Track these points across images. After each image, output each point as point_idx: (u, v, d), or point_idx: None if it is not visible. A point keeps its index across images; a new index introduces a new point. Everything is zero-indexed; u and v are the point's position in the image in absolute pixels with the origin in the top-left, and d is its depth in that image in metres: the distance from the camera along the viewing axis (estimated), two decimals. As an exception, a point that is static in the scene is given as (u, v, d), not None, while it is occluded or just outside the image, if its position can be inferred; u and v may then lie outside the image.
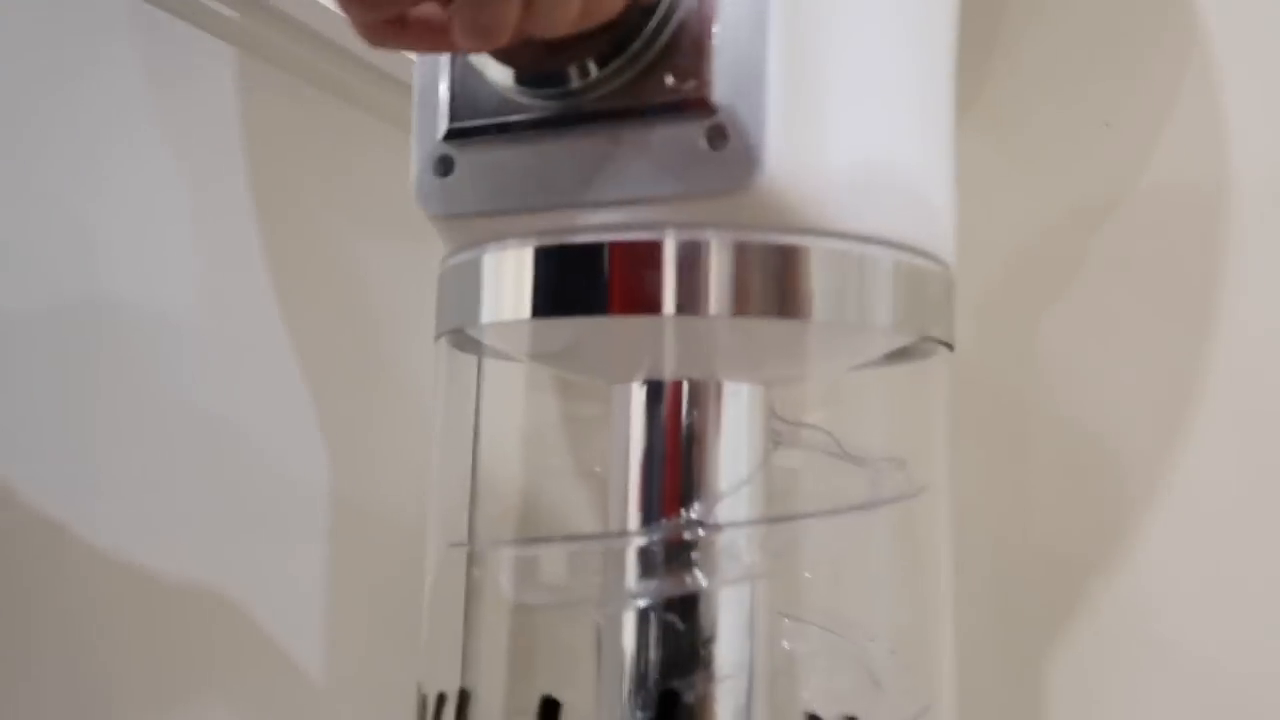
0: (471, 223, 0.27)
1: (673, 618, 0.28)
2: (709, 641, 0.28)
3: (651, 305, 0.25)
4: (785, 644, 0.31)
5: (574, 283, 0.26)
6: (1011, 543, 0.39)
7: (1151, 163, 0.41)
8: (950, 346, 0.29)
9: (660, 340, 0.27)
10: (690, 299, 0.25)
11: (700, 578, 0.28)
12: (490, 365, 0.32)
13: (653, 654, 0.29)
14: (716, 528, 0.28)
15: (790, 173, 0.24)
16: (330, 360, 0.39)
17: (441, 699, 0.28)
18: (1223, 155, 0.40)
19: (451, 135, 0.26)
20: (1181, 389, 0.38)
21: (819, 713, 0.25)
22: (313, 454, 0.39)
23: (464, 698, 0.27)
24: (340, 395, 0.39)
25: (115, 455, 0.33)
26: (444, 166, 0.27)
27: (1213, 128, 0.40)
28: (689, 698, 0.28)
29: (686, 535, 0.28)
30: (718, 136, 0.23)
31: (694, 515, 0.29)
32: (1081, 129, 0.42)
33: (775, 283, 0.25)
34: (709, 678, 0.28)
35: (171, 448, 0.35)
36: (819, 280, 0.25)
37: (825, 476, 0.31)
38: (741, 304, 0.25)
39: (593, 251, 0.26)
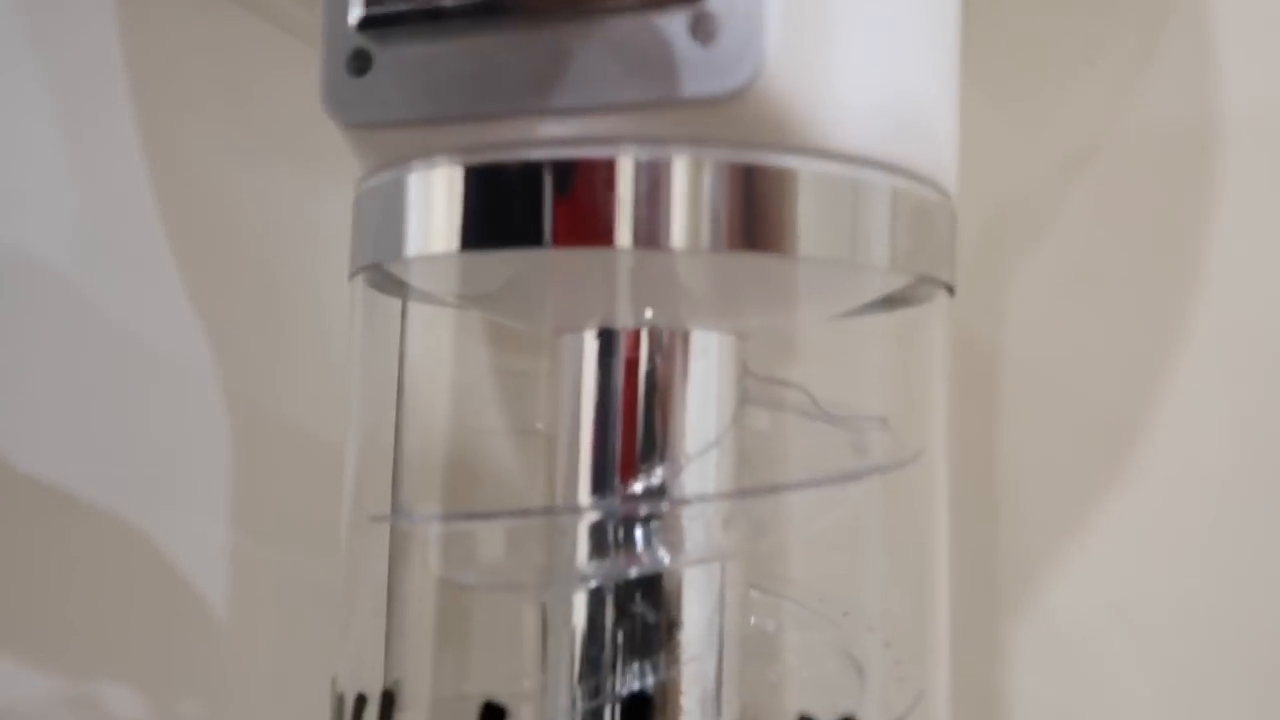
0: (392, 134, 0.22)
1: (631, 600, 0.25)
2: (672, 626, 0.25)
3: (604, 236, 0.21)
4: (757, 622, 0.28)
5: (513, 209, 0.22)
6: (982, 504, 0.36)
7: (1135, 103, 0.38)
8: (951, 290, 0.25)
9: (614, 279, 0.23)
10: (652, 230, 0.21)
11: (662, 556, 0.25)
12: (416, 310, 0.28)
13: (608, 640, 0.25)
14: (681, 502, 0.24)
15: (790, 77, 0.20)
16: (229, 306, 0.34)
17: (361, 700, 0.24)
18: (1210, 94, 0.37)
19: (369, 23, 0.21)
20: (1167, 338, 0.35)
21: (812, 714, 0.22)
22: (211, 416, 0.34)
23: (387, 699, 0.23)
24: (241, 345, 0.34)
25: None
26: (359, 63, 0.22)
27: (1199, 65, 0.37)
28: (649, 685, 0.24)
29: (646, 510, 0.24)
30: (706, 28, 0.19)
31: (655, 483, 0.25)
32: (1062, 68, 0.39)
33: (755, 211, 0.21)
34: (672, 661, 0.24)
35: (46, 411, 0.30)
36: (807, 209, 0.22)
37: (799, 441, 0.28)
38: (714, 236, 0.21)
39: (535, 171, 0.21)
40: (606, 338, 0.25)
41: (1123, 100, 0.38)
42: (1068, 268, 0.36)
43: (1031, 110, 0.39)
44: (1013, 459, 0.35)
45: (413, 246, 0.23)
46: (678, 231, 0.21)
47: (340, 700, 0.24)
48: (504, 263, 0.23)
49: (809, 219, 0.22)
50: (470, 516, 0.24)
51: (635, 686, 0.25)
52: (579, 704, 0.25)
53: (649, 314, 0.25)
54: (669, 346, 0.25)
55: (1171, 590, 0.34)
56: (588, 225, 0.21)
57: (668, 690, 0.25)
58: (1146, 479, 0.35)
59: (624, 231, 0.21)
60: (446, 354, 0.31)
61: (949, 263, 0.25)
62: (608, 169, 0.21)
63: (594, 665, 0.25)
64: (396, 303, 0.28)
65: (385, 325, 0.28)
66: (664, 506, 0.24)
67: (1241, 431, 0.34)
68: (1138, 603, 0.34)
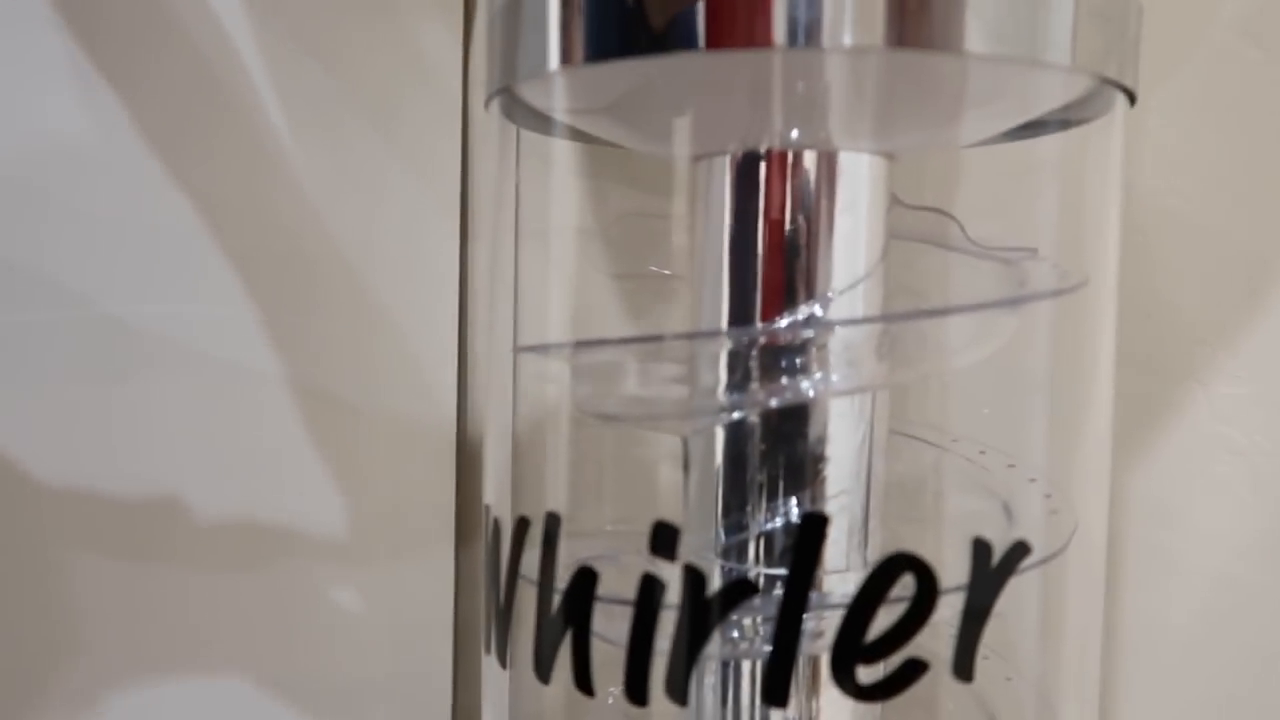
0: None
1: (776, 433, 0.24)
2: (819, 461, 0.24)
3: (761, 36, 0.20)
4: (904, 466, 0.27)
5: (659, 8, 0.20)
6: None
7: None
8: (1133, 98, 0.23)
9: (768, 88, 0.22)
10: (811, 27, 0.19)
11: (806, 387, 0.24)
12: (542, 146, 0.27)
13: (751, 475, 0.24)
14: (826, 325, 0.23)
15: None
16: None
17: (523, 522, 0.24)
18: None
19: None
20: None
21: (986, 537, 0.21)
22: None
23: (552, 521, 0.23)
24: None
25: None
26: None
27: None
28: (794, 519, 0.24)
29: (791, 337, 0.23)
30: None
31: (799, 314, 0.24)
32: None
33: (920, 3, 0.20)
34: (818, 497, 0.24)
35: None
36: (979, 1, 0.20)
37: (952, 276, 0.26)
38: (875, 31, 0.20)
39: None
40: (748, 161, 0.24)
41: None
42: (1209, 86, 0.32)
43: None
44: (1142, 291, 0.32)
45: (528, 65, 0.22)
46: (839, 28, 0.20)
47: (496, 525, 0.25)
48: (647, 73, 0.21)
49: (982, 11, 0.20)
50: (607, 343, 0.23)
51: (780, 522, 0.24)
52: (723, 541, 0.25)
53: (795, 134, 0.24)
54: (815, 169, 0.24)
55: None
56: (743, 25, 0.20)
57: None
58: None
59: (780, 29, 0.20)
60: (575, 194, 0.30)
61: (1135, 65, 0.22)
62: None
63: (738, 500, 0.25)
64: (531, 134, 0.27)
65: (524, 162, 0.27)
66: (808, 333, 0.23)
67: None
68: (1260, 442, 0.31)
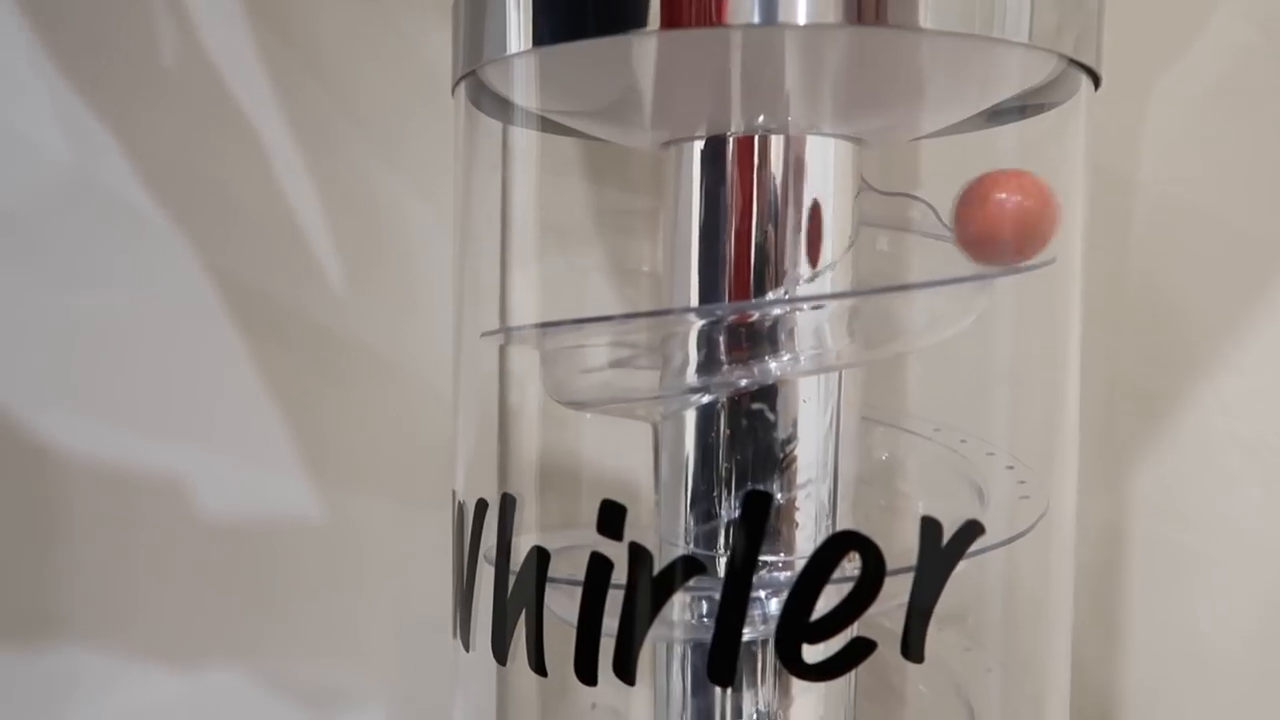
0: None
1: (744, 416, 0.24)
2: (788, 442, 0.24)
3: (715, 13, 0.20)
4: (878, 453, 0.27)
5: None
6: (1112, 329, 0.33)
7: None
8: (1097, 81, 0.23)
9: (726, 69, 0.22)
10: (766, 3, 0.20)
11: (772, 366, 0.24)
12: (517, 142, 0.27)
13: (720, 460, 0.24)
14: (794, 302, 0.23)
15: None
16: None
17: (482, 505, 0.24)
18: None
19: None
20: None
21: (934, 515, 0.21)
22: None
23: (507, 502, 0.23)
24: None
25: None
26: None
27: None
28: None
29: (759, 314, 0.23)
30: None
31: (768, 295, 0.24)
32: None
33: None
34: (788, 484, 0.24)
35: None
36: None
37: (923, 263, 0.26)
38: (833, 8, 0.20)
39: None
40: (715, 146, 0.24)
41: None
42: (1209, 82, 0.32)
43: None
44: (1147, 285, 0.32)
45: (492, 45, 0.22)
46: (793, 6, 0.20)
47: (461, 509, 0.25)
48: (607, 55, 0.22)
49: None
50: (574, 324, 0.23)
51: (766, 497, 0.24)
52: (691, 526, 0.25)
53: (760, 118, 0.24)
54: (782, 153, 0.24)
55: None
56: (697, 3, 0.20)
57: (783, 507, 0.24)
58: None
59: (734, 7, 0.20)
60: (547, 189, 0.30)
61: (1096, 45, 0.22)
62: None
63: (705, 487, 0.25)
64: (498, 127, 0.27)
65: (488, 151, 0.27)
66: (776, 311, 0.23)
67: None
68: (1268, 437, 0.31)
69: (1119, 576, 0.33)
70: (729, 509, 0.24)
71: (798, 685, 0.23)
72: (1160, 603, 0.32)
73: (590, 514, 0.23)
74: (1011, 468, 0.26)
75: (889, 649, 0.22)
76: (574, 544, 0.24)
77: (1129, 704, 0.33)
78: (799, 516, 0.24)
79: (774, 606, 0.22)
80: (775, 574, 0.23)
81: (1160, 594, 0.32)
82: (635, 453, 0.27)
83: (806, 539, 0.24)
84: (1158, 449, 0.32)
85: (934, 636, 0.22)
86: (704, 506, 0.25)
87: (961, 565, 0.21)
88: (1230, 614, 0.31)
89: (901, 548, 0.22)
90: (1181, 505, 0.32)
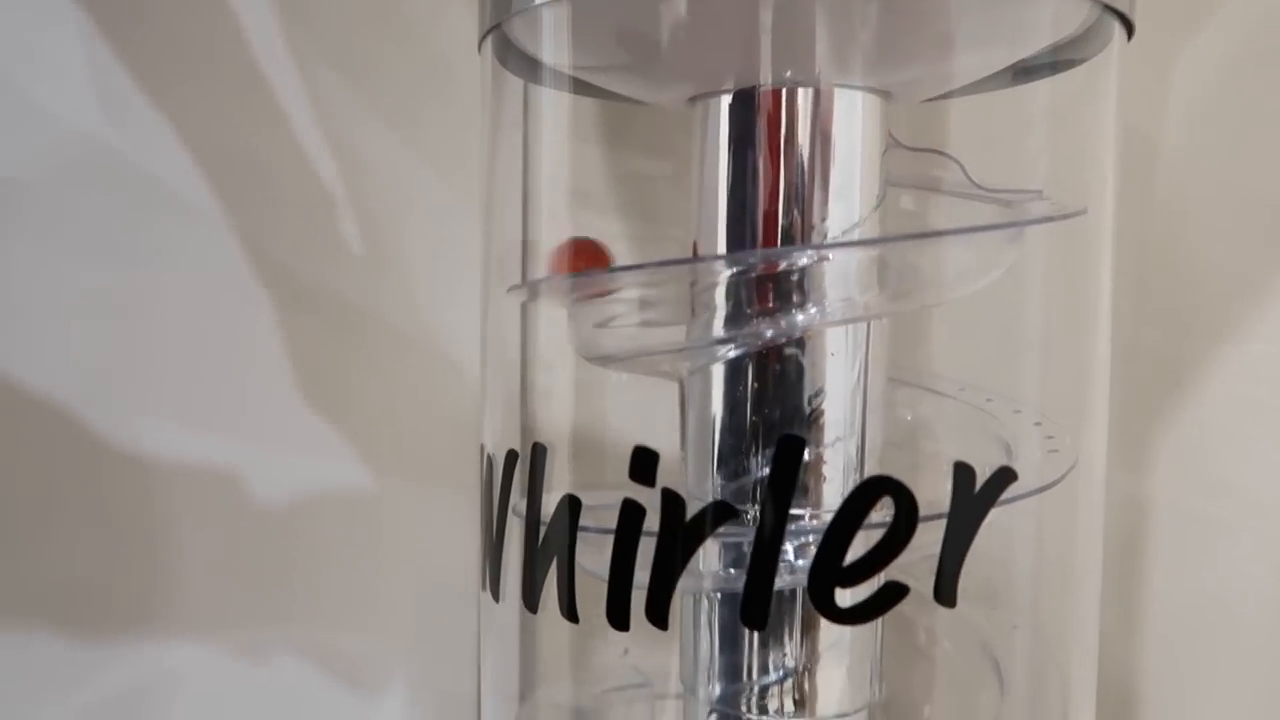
0: None
1: (771, 368, 0.24)
2: (815, 396, 0.24)
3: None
4: (903, 412, 0.27)
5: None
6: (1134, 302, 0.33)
7: None
8: (1131, 30, 0.23)
9: (754, 19, 0.22)
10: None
11: (803, 320, 0.24)
12: (543, 105, 0.27)
13: (748, 415, 0.24)
14: (825, 248, 0.23)
15: None
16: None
17: (512, 456, 0.24)
18: None
19: None
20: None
21: (966, 461, 0.21)
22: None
23: (538, 451, 0.23)
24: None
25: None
26: None
27: None
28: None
29: (787, 263, 0.23)
30: None
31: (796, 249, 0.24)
32: None
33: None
34: (816, 438, 0.24)
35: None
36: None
37: (946, 218, 0.26)
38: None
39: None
40: (742, 99, 0.24)
41: None
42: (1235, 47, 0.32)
43: None
44: (1170, 249, 0.32)
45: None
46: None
47: (490, 461, 0.25)
48: (637, 5, 0.22)
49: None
50: (602, 274, 0.23)
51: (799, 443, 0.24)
52: (719, 482, 0.25)
53: (788, 72, 0.24)
54: (810, 106, 0.24)
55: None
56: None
57: (810, 463, 0.24)
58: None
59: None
60: (571, 152, 0.30)
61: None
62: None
63: (735, 440, 0.25)
64: (522, 86, 0.27)
65: (513, 111, 0.27)
66: (803, 259, 0.23)
67: None
68: None
69: (1141, 544, 0.33)
70: (757, 464, 0.24)
71: (825, 636, 0.23)
72: (1182, 571, 0.32)
73: (615, 475, 0.23)
74: (1039, 424, 0.26)
75: (913, 605, 0.22)
76: (600, 503, 0.24)
77: (1151, 673, 0.33)
78: (826, 470, 0.24)
79: (801, 561, 0.22)
80: (804, 525, 0.23)
81: (1182, 562, 0.32)
82: (660, 418, 0.27)
83: (834, 493, 0.24)
84: (1180, 416, 0.32)
85: (961, 595, 0.22)
86: (731, 462, 0.25)
87: (992, 514, 0.21)
88: (1253, 582, 0.31)
89: (930, 505, 0.22)
90: (1204, 473, 0.32)
